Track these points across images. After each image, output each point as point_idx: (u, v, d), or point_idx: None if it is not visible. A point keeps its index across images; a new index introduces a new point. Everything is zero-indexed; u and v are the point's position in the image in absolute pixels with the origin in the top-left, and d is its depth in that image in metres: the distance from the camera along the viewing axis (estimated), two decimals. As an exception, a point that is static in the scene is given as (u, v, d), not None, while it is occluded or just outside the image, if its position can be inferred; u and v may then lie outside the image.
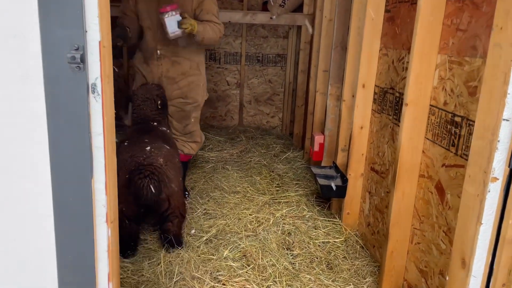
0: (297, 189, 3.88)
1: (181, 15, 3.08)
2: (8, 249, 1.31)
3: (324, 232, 3.06)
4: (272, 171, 4.25)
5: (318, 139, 3.81)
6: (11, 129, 1.23)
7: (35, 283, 1.33)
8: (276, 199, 3.62)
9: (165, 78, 3.40)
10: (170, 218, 2.69)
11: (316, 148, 3.83)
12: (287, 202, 3.58)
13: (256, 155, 4.69)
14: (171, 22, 3.09)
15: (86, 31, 1.18)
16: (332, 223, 3.20)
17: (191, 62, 3.44)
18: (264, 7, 5.34)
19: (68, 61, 1.17)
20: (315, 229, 3.12)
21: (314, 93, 4.36)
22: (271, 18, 4.87)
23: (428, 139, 2.14)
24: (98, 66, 1.21)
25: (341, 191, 3.12)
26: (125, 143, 2.79)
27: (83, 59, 1.18)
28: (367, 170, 3.00)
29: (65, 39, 1.17)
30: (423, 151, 2.19)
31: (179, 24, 3.06)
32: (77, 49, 1.17)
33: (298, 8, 5.04)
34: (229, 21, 4.94)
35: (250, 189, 3.77)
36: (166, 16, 3.05)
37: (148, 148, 2.70)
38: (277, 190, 3.81)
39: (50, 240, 1.31)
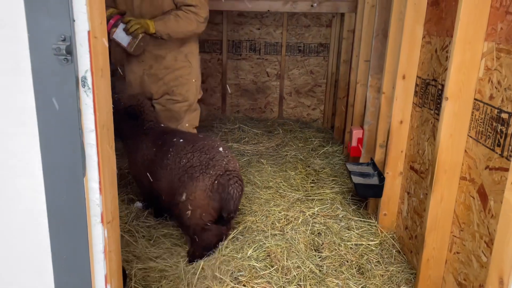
0: (333, 186, 3.70)
1: (122, 21, 2.75)
2: (2, 250, 1.29)
3: (358, 234, 2.87)
4: (308, 166, 4.09)
5: (357, 133, 3.60)
6: (1, 122, 1.19)
7: (31, 284, 1.30)
8: (310, 196, 3.46)
9: (147, 76, 3.06)
10: (230, 221, 2.65)
11: (354, 143, 3.62)
12: (321, 199, 3.41)
13: (293, 149, 4.54)
14: (120, 34, 2.75)
15: (74, 21, 1.11)
16: (368, 224, 3.00)
17: (177, 53, 3.03)
18: (306, -5, 5.12)
19: (54, 52, 1.10)
20: (348, 230, 2.93)
21: (355, 84, 4.12)
22: (312, 5, 4.66)
23: (471, 137, 1.90)
24: (87, 58, 1.14)
25: (378, 191, 2.91)
26: (180, 140, 2.61)
27: (69, 51, 1.11)
28: (406, 169, 2.77)
29: (51, 29, 1.10)
30: (465, 151, 1.95)
31: (126, 31, 2.73)
32: (63, 40, 1.10)
33: (341, -5, 4.78)
34: (268, 10, 4.79)
35: (283, 185, 3.63)
36: (114, 33, 2.73)
37: (221, 149, 2.56)
38: (312, 187, 3.65)
39: (45, 239, 1.27)
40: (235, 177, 2.43)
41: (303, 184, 3.68)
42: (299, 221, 2.95)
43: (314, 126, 5.52)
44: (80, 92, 1.16)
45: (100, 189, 1.25)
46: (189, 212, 2.38)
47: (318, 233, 2.85)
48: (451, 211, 2.04)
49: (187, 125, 3.18)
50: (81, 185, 1.21)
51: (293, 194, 3.45)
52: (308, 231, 2.84)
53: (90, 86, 1.15)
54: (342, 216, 3.12)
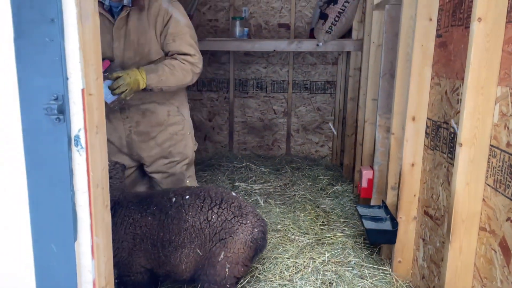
0: (344, 228, 3.56)
1: (109, 77, 2.35)
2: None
3: (372, 283, 2.72)
4: (318, 207, 3.97)
5: (367, 174, 3.49)
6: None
7: None
8: (320, 240, 3.33)
9: (135, 135, 2.66)
10: None
11: (365, 184, 3.51)
12: (332, 243, 3.27)
13: (301, 188, 4.43)
14: (104, 90, 2.30)
15: (68, 79, 1.06)
16: (382, 272, 2.85)
17: (169, 107, 2.71)
18: (312, 34, 5.16)
19: (45, 112, 1.04)
20: (361, 278, 2.78)
21: (363, 123, 4.05)
22: (317, 45, 4.67)
23: (489, 185, 1.79)
24: (81, 117, 1.08)
25: (391, 237, 2.77)
26: (186, 197, 2.30)
27: (62, 110, 1.05)
28: (421, 214, 2.64)
29: (43, 88, 1.05)
30: (483, 199, 1.84)
31: (111, 89, 2.36)
32: (55, 99, 1.05)
33: (347, 34, 4.80)
34: (274, 50, 4.81)
35: (292, 227, 3.51)
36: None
37: (234, 194, 2.42)
38: (322, 229, 3.52)
39: (33, 309, 1.17)
40: (260, 219, 2.34)
41: (313, 226, 3.55)
42: (309, 270, 2.81)
43: (323, 163, 5.42)
44: (73, 152, 1.10)
45: (92, 253, 1.16)
46: (227, 270, 2.21)
47: (330, 283, 2.70)
48: (471, 264, 1.90)
49: (188, 181, 2.87)
50: (71, 251, 1.12)
51: (303, 238, 3.32)
52: (319, 281, 2.69)
53: (84, 145, 1.09)
54: (355, 263, 2.97)
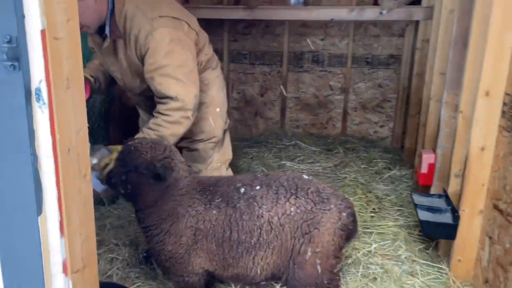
0: (397, 217, 3.19)
1: (94, 168, 2.04)
2: None
3: (423, 283, 2.37)
4: (370, 192, 3.61)
5: (427, 158, 3.07)
6: None
7: None
8: (368, 228, 3.00)
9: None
10: None
11: (424, 169, 3.09)
12: (381, 233, 2.93)
13: (353, 170, 4.07)
14: (93, 180, 1.88)
15: (24, 17, 0.86)
16: (437, 271, 2.48)
17: None
18: (376, 2, 4.67)
19: (-4, 57, 0.86)
20: (412, 276, 2.44)
21: (428, 100, 3.59)
22: (380, 13, 4.19)
23: None
24: (41, 65, 0.88)
25: (451, 231, 2.38)
26: (257, 188, 2.00)
27: (17, 56, 0.86)
28: (489, 207, 2.23)
29: (-4, 27, 0.86)
30: None
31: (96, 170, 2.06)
32: (9, 42, 0.86)
33: (416, 1, 4.27)
34: (332, 19, 4.41)
35: (338, 213, 3.20)
36: None
37: (307, 176, 2.11)
38: (372, 217, 3.18)
39: (-1, 288, 1.03)
40: (345, 200, 2.01)
41: (362, 213, 3.22)
42: (350, 261, 2.51)
43: (381, 145, 4.98)
44: (34, 108, 0.91)
45: (61, 230, 0.98)
46: (318, 268, 1.91)
47: (374, 278, 2.39)
48: (551, 275, 1.51)
49: (218, 164, 2.63)
50: (34, 226, 0.95)
51: (348, 225, 3.01)
52: (359, 274, 2.39)
53: (46, 100, 0.89)
54: (405, 257, 2.62)
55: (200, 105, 2.47)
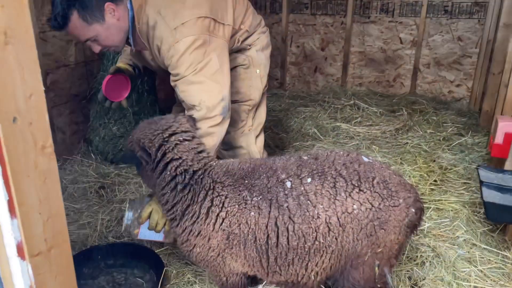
0: (462, 192, 2.81)
1: (140, 220, 1.93)
2: None
3: (481, 272, 2.04)
4: (433, 161, 3.21)
5: (504, 126, 2.59)
6: None
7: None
8: (425, 203, 2.66)
9: None
10: None
11: (499, 139, 2.62)
12: (440, 210, 2.59)
13: (417, 136, 3.65)
14: (147, 233, 1.95)
15: None
16: (500, 259, 2.13)
17: None
18: None
19: None
20: (468, 262, 2.12)
21: (513, 57, 3.02)
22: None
23: None
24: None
25: (521, 216, 2.00)
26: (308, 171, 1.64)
27: None
28: None
29: None
30: None
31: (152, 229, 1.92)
32: None
33: None
34: (404, -40, 3.83)
35: (392, 183, 2.88)
36: (138, 234, 1.97)
37: (367, 159, 1.72)
38: (431, 190, 2.82)
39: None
40: (413, 191, 1.65)
41: (420, 184, 2.88)
42: (396, 241, 2.24)
43: (456, 107, 4.42)
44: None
45: (11, 210, 0.86)
46: (376, 270, 1.64)
47: (422, 262, 2.11)
48: None
49: (251, 127, 2.40)
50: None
51: (401, 198, 2.70)
52: (405, 257, 2.12)
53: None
54: (464, 240, 2.28)
55: (237, 66, 2.31)
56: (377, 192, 1.57)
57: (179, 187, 1.63)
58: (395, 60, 4.81)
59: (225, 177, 1.66)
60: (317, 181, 1.58)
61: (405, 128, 3.79)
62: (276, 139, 3.64)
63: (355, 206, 1.55)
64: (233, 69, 2.27)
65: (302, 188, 1.58)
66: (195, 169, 1.65)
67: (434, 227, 2.40)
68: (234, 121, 2.31)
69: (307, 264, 1.60)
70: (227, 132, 2.13)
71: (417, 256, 2.14)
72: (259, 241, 1.58)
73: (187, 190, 1.63)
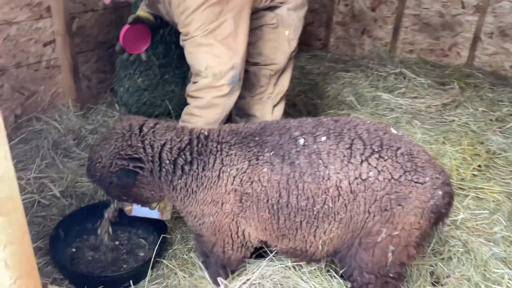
0: (508, 181, 2.50)
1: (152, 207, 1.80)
2: None
3: (516, 277, 1.80)
4: (481, 143, 2.88)
5: None
6: None
7: None
8: (464, 190, 2.40)
9: None
10: None
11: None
12: (480, 199, 2.33)
13: (466, 113, 3.28)
14: (142, 210, 1.82)
15: None
16: (542, 264, 1.87)
17: None
18: None
19: None
20: (503, 263, 1.87)
21: None
22: None
23: None
24: None
25: None
26: (323, 138, 1.49)
27: None
28: None
29: None
30: None
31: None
32: None
33: None
34: None
35: (429, 164, 2.60)
36: (131, 211, 1.84)
37: (394, 131, 1.55)
38: (473, 176, 2.53)
39: None
40: (443, 174, 1.45)
41: (461, 169, 2.59)
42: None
43: (517, 84, 3.94)
44: None
45: None
46: (390, 255, 1.46)
47: (448, 258, 1.89)
48: None
49: (271, 94, 2.16)
50: None
51: (437, 182, 2.43)
52: (430, 249, 1.90)
53: None
54: (502, 238, 2.03)
55: (264, 25, 2.04)
56: (399, 163, 1.38)
57: (186, 168, 1.52)
58: (454, 27, 4.32)
59: (229, 136, 1.55)
60: (332, 140, 1.44)
61: (454, 103, 3.41)
62: (309, 104, 3.40)
63: (371, 173, 1.38)
64: (258, 28, 2.03)
65: (315, 146, 1.44)
66: (187, 141, 1.53)
67: (469, 218, 2.14)
68: (251, 85, 2.10)
69: (315, 230, 1.49)
70: (243, 97, 1.94)
71: (443, 250, 1.92)
72: (271, 200, 1.47)
73: (195, 165, 1.52)
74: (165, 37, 2.98)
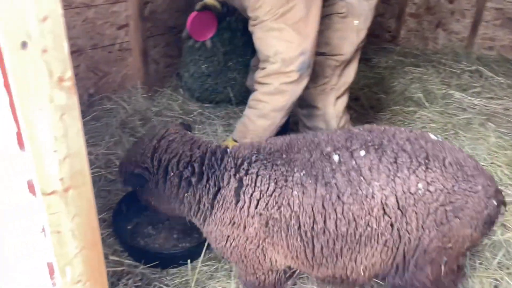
0: None
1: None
2: None
3: None
4: None
5: None
6: None
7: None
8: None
9: None
10: None
11: None
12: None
13: (550, 119, 3.00)
14: None
15: None
16: None
17: None
18: None
19: None
20: None
21: None
22: None
23: None
24: None
25: None
26: (361, 153, 1.36)
27: None
28: None
29: None
30: None
31: None
32: None
33: None
34: None
35: (502, 171, 2.43)
36: None
37: (434, 137, 1.46)
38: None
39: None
40: (492, 181, 1.36)
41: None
42: (488, 241, 1.87)
43: None
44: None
45: (20, 143, 0.80)
46: (442, 268, 1.37)
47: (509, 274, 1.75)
48: None
49: (334, 85, 2.07)
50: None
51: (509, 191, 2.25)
52: (496, 263, 1.76)
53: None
54: None
55: (333, 14, 1.96)
56: (450, 173, 1.28)
57: (193, 179, 1.43)
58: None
59: (249, 152, 1.43)
60: (373, 154, 1.31)
61: (536, 108, 3.13)
62: (373, 99, 3.28)
63: (420, 185, 1.27)
64: (326, 16, 1.96)
65: (354, 163, 1.32)
66: (199, 155, 1.45)
67: (543, 233, 1.96)
68: (315, 75, 2.02)
69: (356, 256, 1.36)
70: (306, 88, 1.90)
71: (509, 264, 1.77)
72: (304, 226, 1.34)
73: (205, 179, 1.43)
74: (231, 24, 3.00)
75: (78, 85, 2.78)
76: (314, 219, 1.33)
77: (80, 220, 0.97)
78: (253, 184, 1.37)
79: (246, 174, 1.39)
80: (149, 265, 1.81)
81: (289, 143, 1.43)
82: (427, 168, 1.28)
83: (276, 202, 1.35)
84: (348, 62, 2.06)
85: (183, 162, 1.45)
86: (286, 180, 1.35)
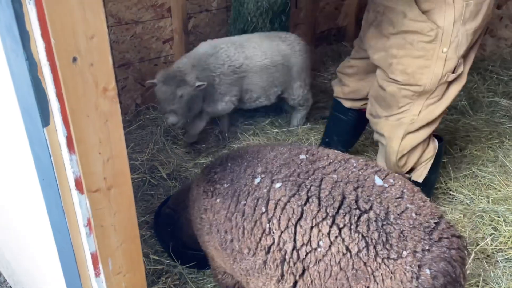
0: None
1: None
2: None
3: None
4: None
5: None
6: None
7: None
8: None
9: (373, 27, 2.02)
10: None
11: None
12: None
13: None
14: None
15: None
16: None
17: (408, 5, 1.74)
18: None
19: None
20: None
21: None
22: None
23: None
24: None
25: None
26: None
27: None
28: None
29: None
30: None
31: None
32: None
33: None
34: None
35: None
36: None
37: None
38: None
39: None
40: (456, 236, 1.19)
41: None
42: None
43: None
44: (25, 5, 0.79)
45: (70, 146, 0.91)
46: None
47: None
48: None
49: (412, 120, 1.85)
50: (41, 139, 0.90)
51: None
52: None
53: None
54: None
55: (416, 37, 1.75)
56: (360, 233, 1.13)
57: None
58: None
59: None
60: (286, 190, 1.25)
61: None
62: (414, 107, 3.23)
63: (321, 243, 1.16)
64: (406, 33, 1.77)
65: (265, 191, 1.30)
66: None
67: None
68: (387, 105, 1.90)
69: None
70: (377, 116, 1.90)
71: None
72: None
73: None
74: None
75: (126, 96, 2.98)
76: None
77: (121, 216, 1.07)
78: None
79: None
80: (186, 265, 1.90)
81: (248, 147, 1.54)
82: (333, 222, 1.16)
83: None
84: (440, 96, 1.83)
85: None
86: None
